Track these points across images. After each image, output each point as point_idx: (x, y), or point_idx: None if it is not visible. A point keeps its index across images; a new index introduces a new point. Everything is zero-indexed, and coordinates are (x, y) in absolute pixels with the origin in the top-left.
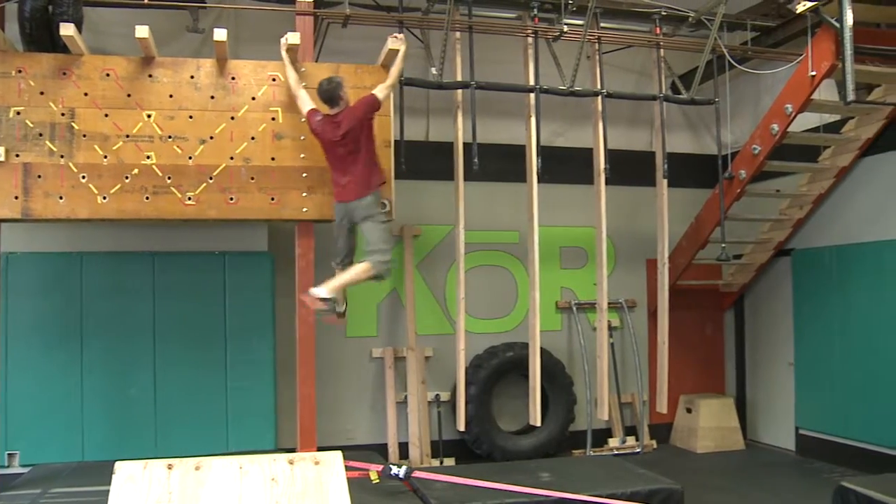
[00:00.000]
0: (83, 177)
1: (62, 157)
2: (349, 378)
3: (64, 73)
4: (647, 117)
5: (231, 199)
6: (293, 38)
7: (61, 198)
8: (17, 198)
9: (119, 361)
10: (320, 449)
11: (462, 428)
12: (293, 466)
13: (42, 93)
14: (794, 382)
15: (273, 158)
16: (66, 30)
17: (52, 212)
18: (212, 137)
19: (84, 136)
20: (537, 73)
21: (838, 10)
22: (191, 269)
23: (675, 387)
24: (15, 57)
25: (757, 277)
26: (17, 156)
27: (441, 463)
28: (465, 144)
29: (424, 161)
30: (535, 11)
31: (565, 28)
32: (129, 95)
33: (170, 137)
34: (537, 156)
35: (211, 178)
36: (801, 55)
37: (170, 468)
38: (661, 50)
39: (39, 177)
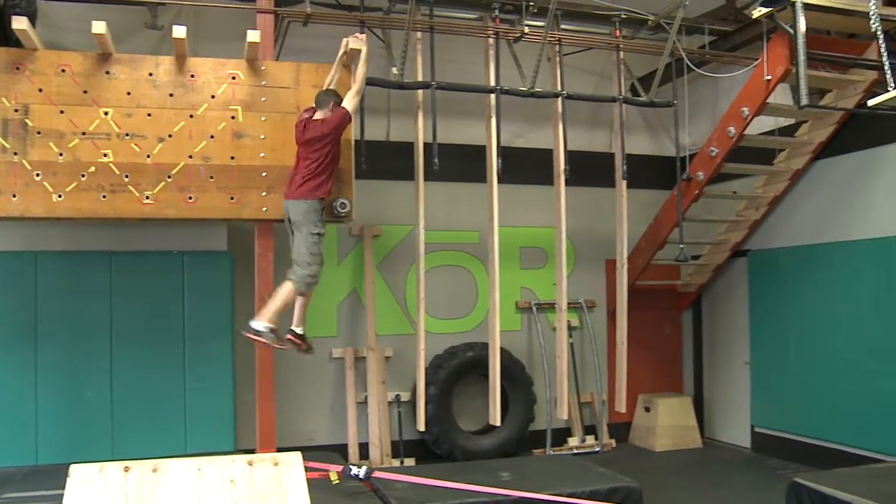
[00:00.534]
0: (37, 174)
1: (16, 154)
2: (309, 378)
3: (17, 68)
4: (607, 119)
5: (190, 198)
6: (253, 35)
7: (14, 196)
8: None
9: (74, 362)
10: (280, 450)
11: (422, 428)
12: (252, 467)
13: None
14: (749, 381)
15: (233, 157)
16: (19, 23)
17: (6, 210)
18: (170, 136)
19: (38, 132)
20: (498, 74)
21: (792, 17)
22: (149, 268)
23: (633, 386)
24: None
25: (714, 278)
26: None
27: (401, 463)
28: (425, 144)
29: (385, 161)
30: (497, 12)
31: (526, 29)
32: (85, 92)
33: (127, 135)
34: (498, 156)
35: (169, 177)
36: (756, 60)
37: (126, 471)
38: (621, 52)
39: None
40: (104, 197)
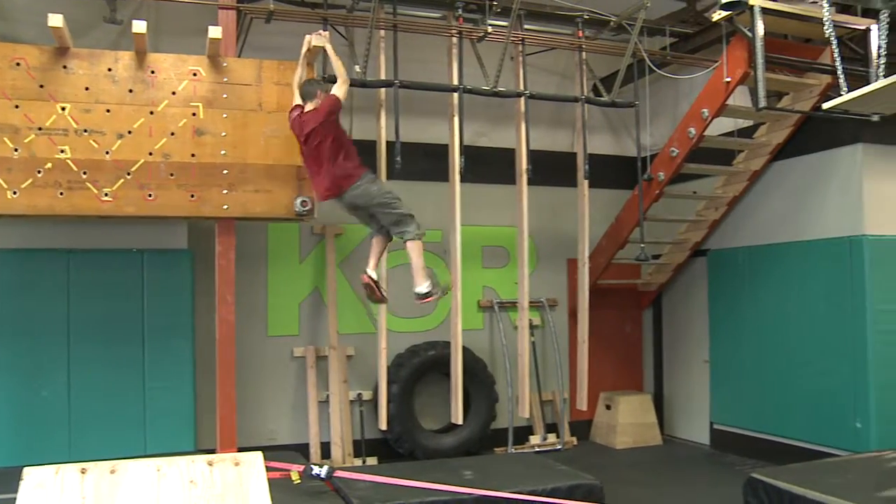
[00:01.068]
0: None
1: None
2: (270, 377)
3: None
4: (569, 119)
5: (149, 195)
6: (215, 32)
7: None
8: None
9: (31, 362)
10: (241, 450)
11: (384, 427)
12: (212, 468)
13: None
14: (708, 379)
15: (193, 155)
16: None
17: None
18: (130, 132)
19: None
20: (461, 73)
21: (750, 21)
22: (107, 266)
23: (594, 384)
24: None
25: (674, 277)
26: None
27: (363, 462)
28: (388, 143)
29: None
30: (460, 12)
31: (489, 29)
32: (41, 86)
33: (85, 131)
34: (460, 155)
35: (129, 174)
36: (716, 62)
37: (83, 472)
38: (584, 53)
39: None
40: (61, 194)
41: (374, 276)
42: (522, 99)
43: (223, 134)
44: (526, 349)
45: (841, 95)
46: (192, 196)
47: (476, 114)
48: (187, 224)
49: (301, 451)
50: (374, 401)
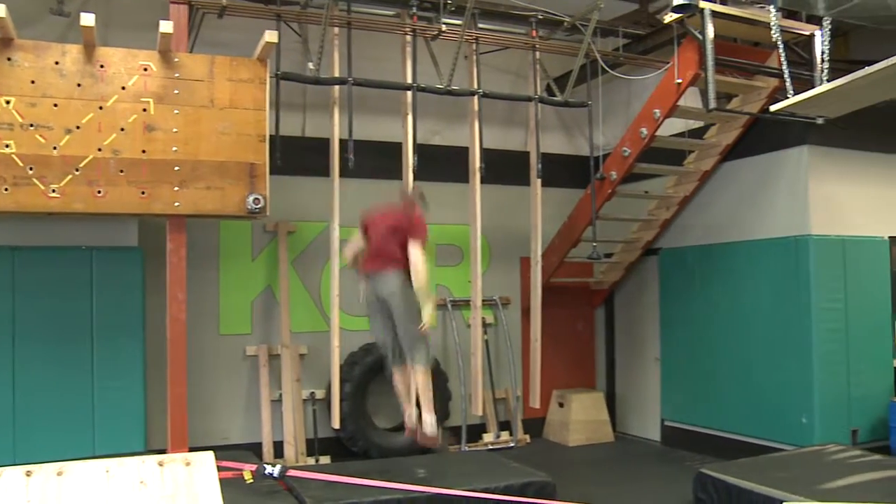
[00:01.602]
0: None
1: None
2: (222, 376)
3: None
4: (523, 118)
5: (99, 192)
6: (166, 26)
7: None
8: None
9: None
10: (193, 449)
11: (337, 426)
12: (163, 468)
13: None
14: (660, 377)
15: (144, 151)
16: None
17: None
18: (78, 127)
19: None
20: (415, 72)
21: (701, 24)
22: (55, 264)
23: (547, 382)
24: None
25: (626, 276)
26: None
27: (316, 461)
28: (341, 140)
29: (300, 157)
30: (414, 10)
31: (443, 27)
32: None
33: (32, 126)
34: (414, 153)
35: (77, 170)
36: (668, 63)
37: (28, 475)
38: (537, 52)
39: None
40: (6, 190)
41: (416, 414)
42: (476, 98)
43: (174, 130)
44: (479, 347)
45: (788, 98)
46: (143, 193)
47: (430, 112)
48: (138, 221)
49: (254, 450)
50: (328, 399)
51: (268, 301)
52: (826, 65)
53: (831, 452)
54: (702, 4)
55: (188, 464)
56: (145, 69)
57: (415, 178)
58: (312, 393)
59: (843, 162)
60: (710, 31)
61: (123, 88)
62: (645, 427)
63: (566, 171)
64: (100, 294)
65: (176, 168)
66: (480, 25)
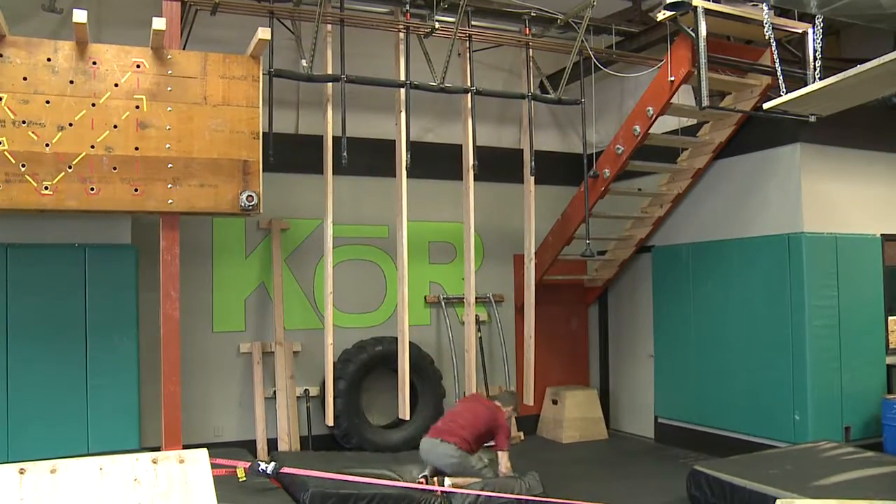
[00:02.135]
0: None
1: None
2: (216, 374)
3: None
4: (516, 115)
5: (92, 189)
6: (159, 23)
7: None
8: None
9: None
10: (187, 447)
11: (331, 423)
12: (157, 466)
13: None
14: (653, 374)
15: (137, 148)
16: None
17: None
18: (71, 124)
19: None
20: (408, 69)
21: (694, 22)
22: (48, 261)
23: (541, 379)
24: None
25: (620, 273)
26: None
27: None
28: (334, 138)
29: (293, 154)
30: (408, 7)
31: (437, 25)
32: None
33: (24, 123)
34: (407, 151)
35: (70, 167)
36: (661, 61)
37: (21, 473)
38: (531, 50)
39: None
40: None
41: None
42: (469, 95)
43: (167, 127)
44: (473, 345)
45: (780, 96)
46: (136, 190)
47: (423, 109)
48: (131, 218)
49: (248, 447)
50: (321, 396)
51: (261, 298)
52: (818, 63)
53: (824, 449)
54: (695, 2)
55: (182, 461)
56: (138, 66)
57: (408, 176)
58: (306, 390)
59: (835, 160)
60: (703, 29)
61: (116, 85)
62: (638, 424)
63: (559, 169)
64: (93, 291)
65: (169, 165)
66: (473, 23)
